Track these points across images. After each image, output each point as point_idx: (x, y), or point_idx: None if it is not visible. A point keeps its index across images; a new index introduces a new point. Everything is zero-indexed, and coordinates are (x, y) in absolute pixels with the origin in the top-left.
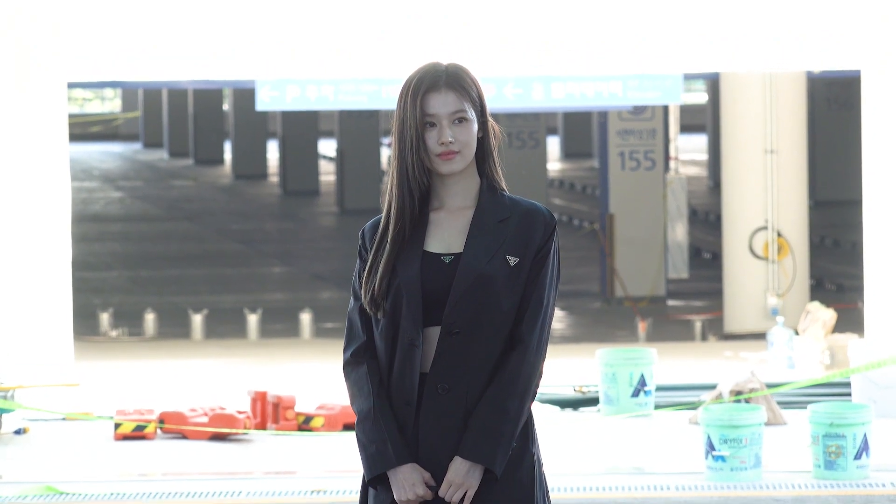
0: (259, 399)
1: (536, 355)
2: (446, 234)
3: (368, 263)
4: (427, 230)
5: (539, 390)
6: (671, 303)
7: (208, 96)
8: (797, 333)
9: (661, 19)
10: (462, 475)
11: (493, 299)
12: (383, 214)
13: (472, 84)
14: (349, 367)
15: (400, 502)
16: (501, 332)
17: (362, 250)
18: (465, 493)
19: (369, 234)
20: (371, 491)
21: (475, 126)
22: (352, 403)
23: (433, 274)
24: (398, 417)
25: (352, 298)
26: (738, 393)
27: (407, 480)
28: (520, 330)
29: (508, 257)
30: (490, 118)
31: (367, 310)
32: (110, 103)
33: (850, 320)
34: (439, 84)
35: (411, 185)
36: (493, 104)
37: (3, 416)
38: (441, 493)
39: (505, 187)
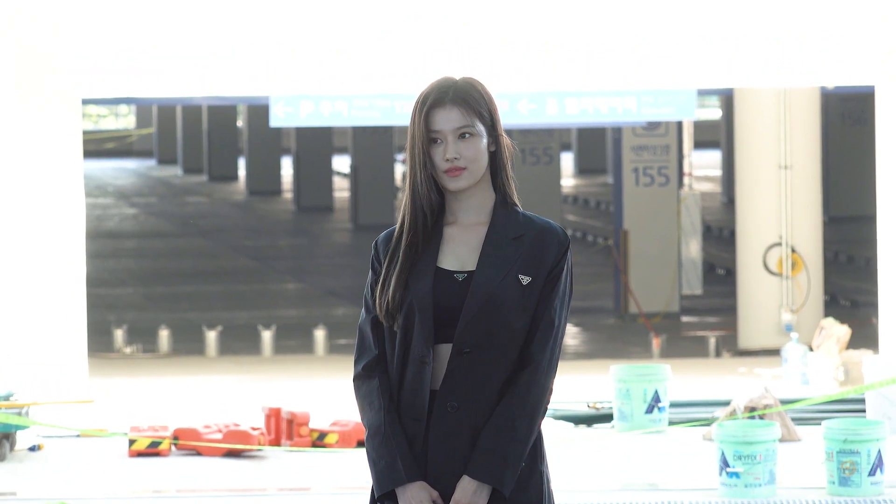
0: (273, 415)
1: (547, 375)
2: (459, 251)
3: (382, 276)
4: (441, 245)
5: (553, 406)
6: (685, 319)
7: (222, 113)
8: (811, 349)
9: (674, 35)
10: (469, 495)
11: (505, 318)
12: (397, 227)
13: (481, 98)
14: (360, 380)
15: None
16: (512, 351)
17: (375, 262)
18: None
19: (382, 246)
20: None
21: (483, 141)
22: (361, 417)
23: (445, 291)
24: (407, 433)
25: (363, 311)
26: (752, 409)
27: (415, 498)
28: (530, 349)
29: (521, 276)
30: (503, 133)
31: (383, 322)
32: (124, 120)
33: (864, 336)
34: (445, 100)
35: (422, 200)
36: (506, 120)
37: (18, 432)
38: None
39: (517, 201)
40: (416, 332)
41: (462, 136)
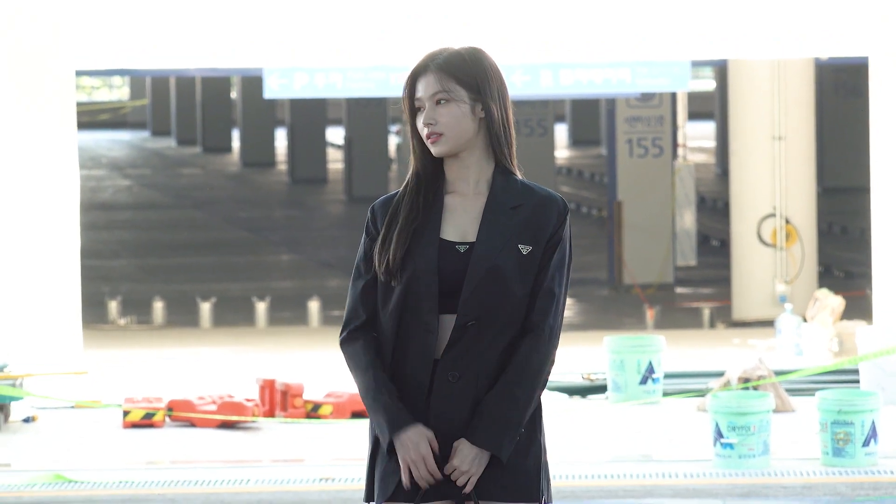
0: (267, 387)
1: (549, 343)
2: (460, 221)
3: (381, 237)
4: (442, 215)
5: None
6: (679, 290)
7: (216, 84)
8: (805, 320)
9: (669, 6)
10: (468, 462)
11: (507, 289)
12: (400, 191)
13: (464, 65)
14: (345, 343)
15: (403, 463)
16: (515, 321)
17: (371, 226)
18: (469, 479)
19: (380, 210)
20: (379, 468)
21: (462, 107)
22: (354, 376)
23: (448, 262)
24: (408, 400)
25: (354, 275)
26: (746, 380)
27: (411, 440)
28: (531, 318)
29: (521, 246)
30: (494, 101)
31: (381, 278)
32: (118, 91)
33: (858, 307)
34: (427, 68)
35: (419, 166)
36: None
37: (12, 404)
38: (446, 471)
39: (517, 171)
40: (420, 303)
41: (438, 101)
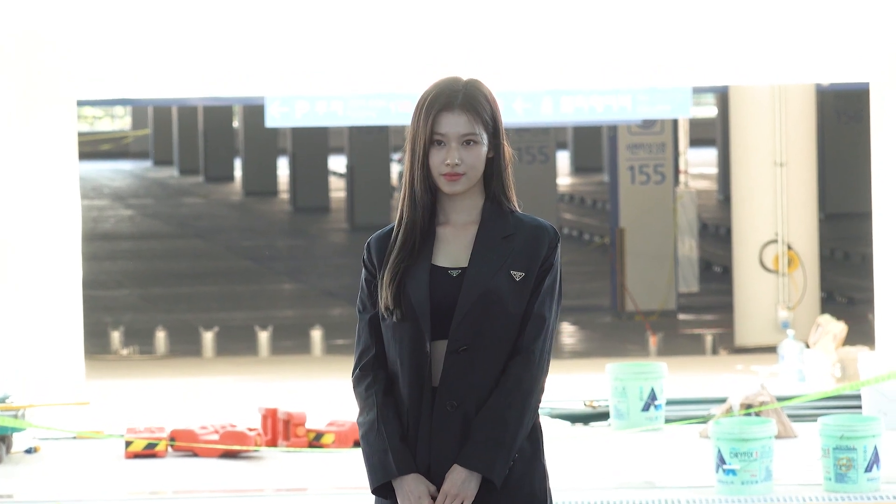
0: (270, 416)
1: (538, 367)
2: (452, 249)
3: (381, 274)
4: (434, 244)
5: (550, 405)
6: (682, 317)
7: (218, 113)
8: (808, 346)
9: (670, 33)
10: (458, 485)
11: (499, 314)
12: (395, 225)
13: (487, 105)
14: (357, 380)
15: None
16: (508, 348)
17: (366, 262)
18: (462, 503)
19: (375, 246)
20: (377, 500)
21: (484, 149)
22: (357, 415)
23: (441, 287)
24: (406, 428)
25: (359, 309)
26: (749, 406)
27: (412, 492)
28: (521, 342)
29: (513, 272)
30: (504, 140)
31: (384, 315)
32: (120, 121)
33: (860, 333)
34: (454, 104)
35: (417, 199)
36: (502, 119)
37: (14, 435)
38: (437, 500)
39: (516, 207)
40: (414, 329)
41: (467, 143)
